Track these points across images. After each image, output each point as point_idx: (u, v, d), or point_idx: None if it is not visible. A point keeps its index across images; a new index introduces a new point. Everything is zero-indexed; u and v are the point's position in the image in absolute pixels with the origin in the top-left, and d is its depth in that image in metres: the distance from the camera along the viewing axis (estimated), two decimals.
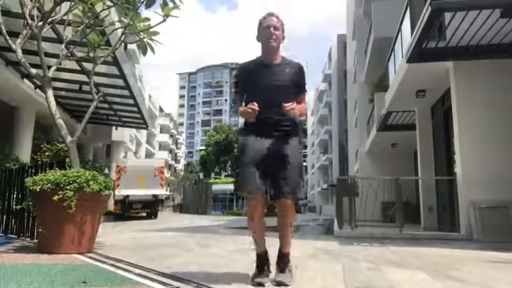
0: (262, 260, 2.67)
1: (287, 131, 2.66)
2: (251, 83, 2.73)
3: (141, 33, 5.08)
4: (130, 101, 11.75)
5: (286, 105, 2.49)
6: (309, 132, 60.29)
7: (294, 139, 2.68)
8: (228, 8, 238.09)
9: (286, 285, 2.48)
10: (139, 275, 2.88)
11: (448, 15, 6.41)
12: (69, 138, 4.60)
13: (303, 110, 2.75)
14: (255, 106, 2.52)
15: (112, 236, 6.69)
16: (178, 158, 70.11)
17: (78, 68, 8.75)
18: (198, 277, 2.73)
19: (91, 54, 5.18)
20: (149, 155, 42.88)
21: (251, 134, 2.67)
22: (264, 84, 2.68)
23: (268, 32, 2.69)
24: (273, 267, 2.69)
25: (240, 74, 2.83)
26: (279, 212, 2.62)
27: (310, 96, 56.15)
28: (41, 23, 4.70)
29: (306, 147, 61.45)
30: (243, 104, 2.76)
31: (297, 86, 2.75)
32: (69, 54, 5.32)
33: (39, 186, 3.95)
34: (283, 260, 2.65)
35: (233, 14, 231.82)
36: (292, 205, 2.60)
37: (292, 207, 2.60)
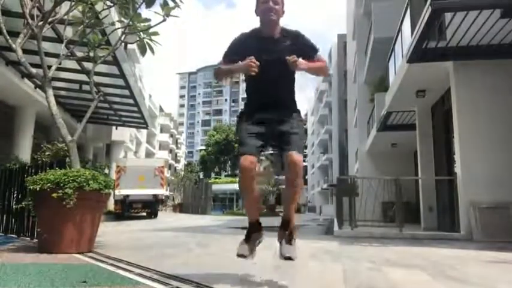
0: (252, 229, 2.58)
1: (287, 109, 2.60)
2: (251, 53, 2.51)
3: (141, 33, 5.08)
4: (131, 101, 11.76)
5: (289, 58, 2.38)
6: (309, 132, 60.27)
7: (295, 115, 2.62)
8: (226, 6, 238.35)
9: (293, 260, 2.41)
10: (139, 274, 2.87)
11: (448, 16, 6.41)
12: (69, 138, 4.60)
13: (322, 65, 2.63)
14: (253, 60, 2.40)
15: (112, 235, 6.69)
16: (179, 158, 70.09)
17: (78, 67, 8.76)
18: (198, 277, 2.72)
19: (91, 54, 5.18)
20: (149, 154, 42.86)
21: (250, 111, 2.61)
22: (263, 61, 2.48)
23: (267, 6, 2.53)
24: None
25: (236, 43, 2.66)
26: (288, 170, 2.43)
27: (310, 96, 56.09)
28: (41, 23, 4.70)
29: (306, 147, 61.50)
30: (245, 91, 2.70)
31: (305, 53, 2.60)
32: (69, 54, 5.32)
33: (39, 186, 3.95)
34: (287, 228, 2.52)
35: (231, 11, 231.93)
36: (301, 164, 2.44)
37: (301, 166, 2.43)
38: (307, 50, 2.63)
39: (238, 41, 2.66)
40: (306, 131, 60.50)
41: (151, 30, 5.09)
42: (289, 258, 2.40)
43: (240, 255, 2.41)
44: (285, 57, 2.46)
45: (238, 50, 2.63)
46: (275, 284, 2.57)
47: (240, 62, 2.55)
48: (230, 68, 2.60)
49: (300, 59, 2.45)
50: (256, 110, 2.59)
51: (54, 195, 3.84)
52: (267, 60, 2.50)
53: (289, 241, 2.48)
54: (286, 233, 2.51)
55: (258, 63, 2.39)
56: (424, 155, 10.07)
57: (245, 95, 2.85)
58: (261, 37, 2.60)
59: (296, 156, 2.39)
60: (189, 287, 2.50)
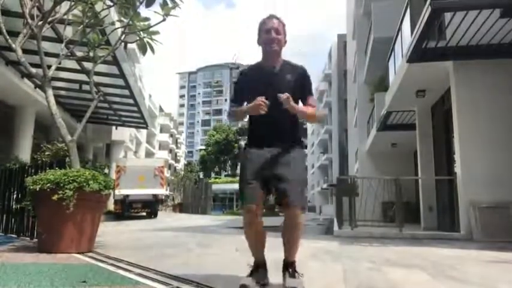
0: (256, 267, 2.56)
1: (290, 141, 2.58)
2: (251, 93, 2.55)
3: (141, 32, 5.08)
4: (130, 101, 11.76)
5: (282, 96, 2.36)
6: (309, 132, 60.29)
7: (298, 151, 2.59)
8: (226, 6, 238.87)
9: None
10: (139, 274, 2.87)
11: (448, 15, 6.41)
12: (69, 138, 4.59)
13: (313, 112, 2.58)
14: (263, 99, 2.39)
15: (112, 235, 6.69)
16: (178, 158, 70.09)
17: (78, 67, 8.76)
18: (198, 277, 2.72)
19: (91, 54, 5.18)
20: (149, 154, 42.85)
21: (253, 146, 2.60)
22: (264, 95, 2.48)
23: (270, 36, 2.55)
24: (277, 276, 2.60)
25: (240, 82, 2.72)
26: (288, 222, 2.46)
27: None
28: (41, 23, 4.70)
29: (306, 147, 61.47)
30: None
31: (301, 92, 2.60)
32: (69, 54, 5.31)
33: (39, 186, 3.95)
34: (290, 267, 2.50)
35: (231, 11, 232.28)
36: (301, 215, 2.46)
37: (301, 217, 2.45)
38: (304, 90, 2.62)
39: (241, 79, 2.72)
40: (306, 131, 60.53)
41: (151, 29, 5.09)
42: None
43: (241, 286, 2.36)
44: (284, 92, 2.46)
45: (243, 88, 2.68)
46: (275, 284, 2.57)
47: (245, 104, 2.58)
48: (241, 111, 2.60)
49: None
50: (257, 144, 2.58)
51: (55, 197, 3.83)
52: (268, 93, 2.48)
53: (293, 276, 2.46)
54: (290, 270, 2.49)
55: (267, 102, 2.38)
56: (424, 155, 10.07)
57: None
58: (262, 69, 2.62)
59: (295, 211, 2.41)
60: (189, 287, 2.50)
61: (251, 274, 2.52)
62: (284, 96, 2.39)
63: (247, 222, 2.48)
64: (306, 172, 2.62)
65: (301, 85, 2.61)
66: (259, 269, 2.55)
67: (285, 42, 2.63)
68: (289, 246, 2.51)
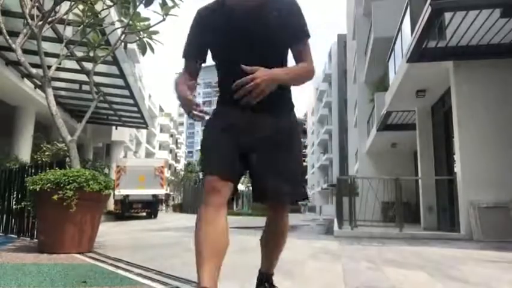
0: None
1: (277, 107, 1.73)
2: (217, 35, 1.69)
3: (141, 32, 5.09)
4: (130, 101, 11.77)
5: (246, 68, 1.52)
6: (308, 132, 60.28)
7: (288, 115, 1.79)
8: None
9: None
10: (139, 274, 2.87)
11: (448, 15, 6.41)
12: (69, 138, 4.60)
13: (304, 72, 1.70)
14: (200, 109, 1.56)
15: (112, 235, 6.69)
16: (179, 158, 70.10)
17: (78, 67, 8.76)
18: None
19: (91, 54, 5.19)
20: (149, 154, 42.89)
21: (225, 104, 1.79)
22: (238, 37, 1.65)
23: None
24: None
25: (196, 27, 1.75)
26: (270, 221, 1.87)
27: (310, 96, 56.11)
28: (41, 23, 4.70)
29: (306, 147, 61.50)
30: (217, 75, 1.86)
31: (293, 32, 1.69)
32: (69, 54, 5.32)
33: (39, 186, 3.95)
34: (267, 282, 1.99)
35: None
36: (288, 213, 1.89)
37: (287, 216, 1.89)
38: (299, 29, 1.71)
39: (197, 22, 1.75)
40: (305, 130, 60.41)
41: (150, 29, 5.10)
42: None
43: None
44: (266, 36, 1.64)
45: (200, 35, 1.74)
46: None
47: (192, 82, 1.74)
48: (177, 94, 1.67)
49: (262, 71, 1.52)
50: (230, 109, 1.72)
51: (55, 197, 3.84)
52: (242, 41, 1.65)
53: None
54: (267, 285, 1.98)
55: (202, 115, 1.58)
56: (424, 155, 10.07)
57: None
58: (231, 6, 1.67)
59: (286, 207, 1.82)
60: (189, 287, 2.50)
61: None
62: (249, 75, 1.50)
63: (203, 202, 1.72)
64: (301, 148, 1.86)
65: (291, 24, 1.68)
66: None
67: None
68: (268, 255, 1.96)
